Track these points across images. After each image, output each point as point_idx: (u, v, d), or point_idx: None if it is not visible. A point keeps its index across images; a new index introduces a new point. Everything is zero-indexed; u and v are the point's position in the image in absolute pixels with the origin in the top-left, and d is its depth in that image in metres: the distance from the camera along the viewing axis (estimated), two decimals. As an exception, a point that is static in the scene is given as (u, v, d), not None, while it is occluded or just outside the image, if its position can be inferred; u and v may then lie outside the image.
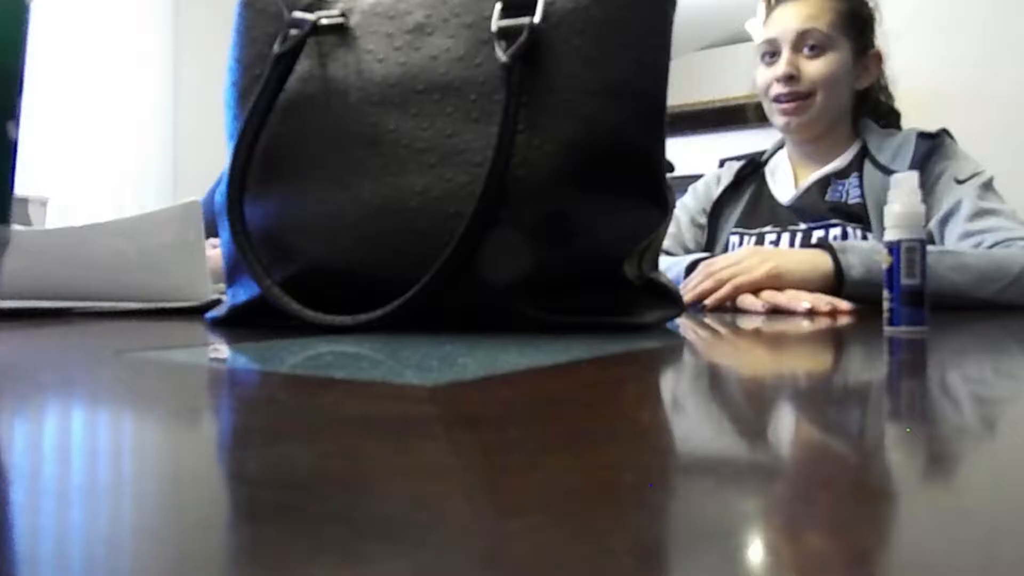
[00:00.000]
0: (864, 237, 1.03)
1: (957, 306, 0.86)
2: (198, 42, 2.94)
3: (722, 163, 1.31)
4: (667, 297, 0.57)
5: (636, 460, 0.17)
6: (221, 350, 0.43)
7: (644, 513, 0.13)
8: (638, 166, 0.53)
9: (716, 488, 0.16)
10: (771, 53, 1.11)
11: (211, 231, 0.85)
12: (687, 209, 1.25)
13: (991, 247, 0.94)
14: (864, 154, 1.09)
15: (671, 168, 0.57)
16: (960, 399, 0.28)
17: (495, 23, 0.52)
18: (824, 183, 1.11)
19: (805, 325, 0.65)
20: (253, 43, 0.59)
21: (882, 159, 1.07)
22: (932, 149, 1.05)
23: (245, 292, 0.57)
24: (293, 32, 0.56)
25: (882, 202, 1.01)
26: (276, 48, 0.56)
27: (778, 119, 1.12)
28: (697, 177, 1.32)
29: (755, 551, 0.12)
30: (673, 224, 1.23)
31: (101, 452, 0.18)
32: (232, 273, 0.58)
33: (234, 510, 0.14)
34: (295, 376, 0.31)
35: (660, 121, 0.53)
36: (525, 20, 0.51)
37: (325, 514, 0.13)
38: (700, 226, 1.24)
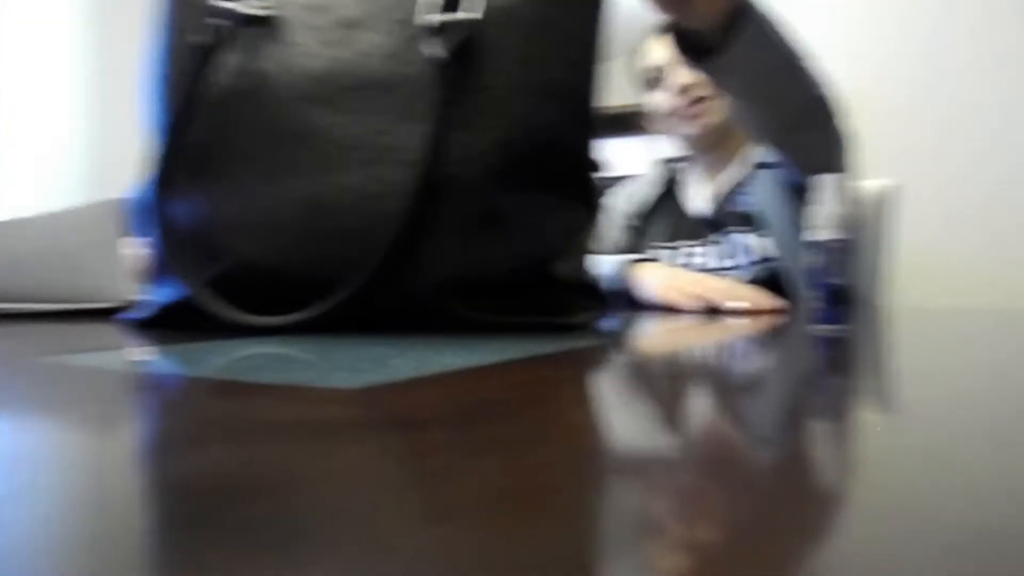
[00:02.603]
0: (769, 244, 1.05)
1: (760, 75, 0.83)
2: (126, 31, 2.81)
3: (657, 163, 1.34)
4: (599, 297, 0.58)
5: (564, 462, 0.17)
6: (143, 353, 0.41)
7: (570, 517, 0.13)
8: (570, 165, 0.53)
9: (643, 489, 0.16)
10: (657, 78, 1.16)
11: (135, 229, 0.81)
12: (616, 210, 1.27)
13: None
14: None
15: (600, 167, 0.57)
16: (880, 395, 0.29)
17: (428, 19, 0.51)
18: (729, 192, 1.14)
19: (735, 323, 0.66)
20: (179, 34, 0.56)
21: (761, 158, 1.10)
22: None
23: (170, 292, 0.54)
24: (218, 23, 0.54)
25: (769, 200, 1.05)
26: (200, 39, 0.54)
27: (685, 130, 1.15)
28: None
29: (682, 552, 0.12)
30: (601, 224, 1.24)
31: (16, 460, 0.17)
32: (157, 272, 0.56)
33: (149, 518, 0.13)
34: (219, 380, 0.30)
35: (590, 120, 0.53)
36: (458, 17, 0.51)
37: (241, 524, 0.13)
38: (629, 227, 1.26)
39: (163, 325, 0.56)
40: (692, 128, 1.14)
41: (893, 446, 0.20)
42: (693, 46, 0.80)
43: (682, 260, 1.14)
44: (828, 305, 0.53)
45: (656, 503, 0.15)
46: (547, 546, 0.12)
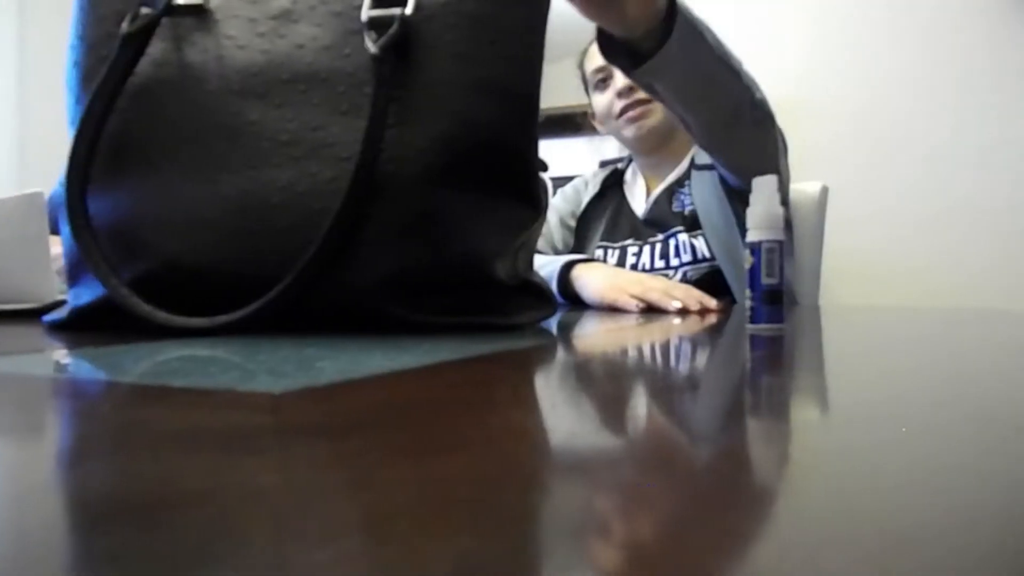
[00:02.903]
0: (708, 244, 1.07)
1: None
2: (48, 17, 2.70)
3: (603, 164, 1.35)
4: (541, 297, 0.57)
5: (479, 471, 0.16)
6: (63, 356, 0.39)
7: (471, 534, 0.12)
8: (510, 164, 0.52)
9: (561, 497, 0.15)
10: (602, 79, 1.17)
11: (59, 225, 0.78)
12: (557, 210, 1.28)
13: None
14: (692, 162, 1.15)
15: (544, 167, 0.57)
16: (813, 395, 0.29)
17: (365, 12, 0.50)
18: (670, 193, 1.15)
19: (674, 323, 0.66)
20: (100, 21, 0.54)
21: (699, 160, 1.12)
22: None
23: (89, 292, 0.52)
24: (145, 11, 0.52)
25: (706, 201, 1.07)
26: (125, 27, 0.51)
27: (628, 131, 1.16)
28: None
29: (601, 561, 0.12)
30: (546, 224, 1.25)
31: None
32: (74, 272, 0.54)
33: (53, 532, 0.12)
34: (137, 384, 0.29)
35: (532, 119, 0.53)
36: (396, 11, 0.50)
37: (138, 541, 0.12)
38: (569, 228, 1.27)
39: (88, 327, 0.53)
40: (633, 130, 1.15)
41: (825, 446, 0.20)
42: (623, 53, 0.80)
43: (622, 260, 1.15)
44: (764, 305, 0.54)
45: (576, 511, 0.14)
46: (437, 567, 0.11)
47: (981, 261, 2.06)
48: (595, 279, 0.92)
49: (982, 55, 2.08)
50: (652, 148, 1.18)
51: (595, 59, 1.18)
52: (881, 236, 2.11)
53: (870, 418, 0.23)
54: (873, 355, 0.43)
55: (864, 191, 2.06)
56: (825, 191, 1.27)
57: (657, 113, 1.14)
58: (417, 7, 0.50)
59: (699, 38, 0.80)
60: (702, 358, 0.43)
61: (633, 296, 0.86)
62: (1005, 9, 2.04)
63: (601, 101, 1.19)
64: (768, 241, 0.55)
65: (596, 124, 1.26)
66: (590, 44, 1.20)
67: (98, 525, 0.13)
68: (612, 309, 0.87)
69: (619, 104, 1.15)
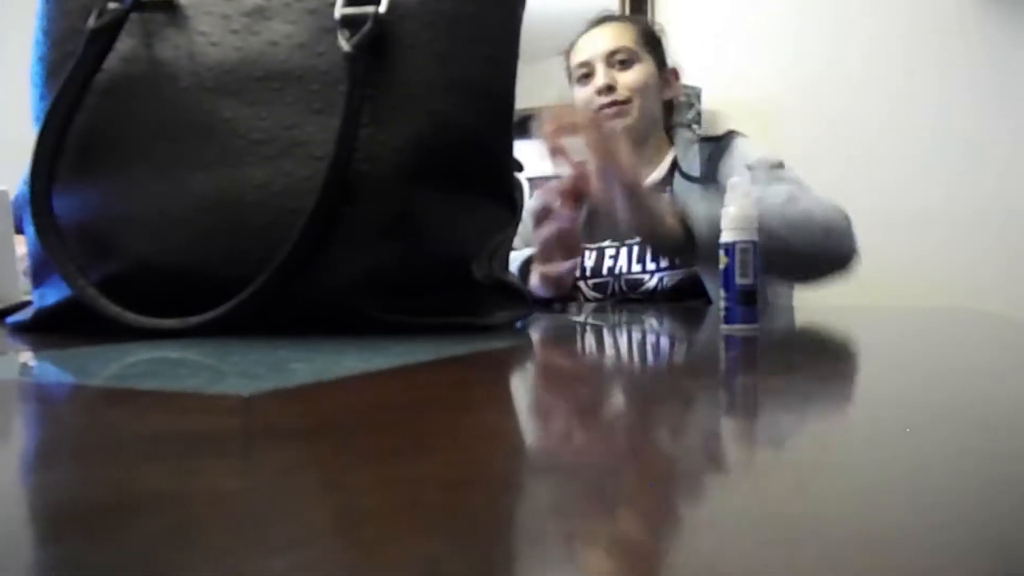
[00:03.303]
0: None
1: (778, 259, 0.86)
2: (15, 10, 2.63)
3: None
4: (516, 297, 0.57)
5: (450, 474, 0.16)
6: (30, 359, 0.38)
7: (440, 538, 0.12)
8: (486, 165, 0.52)
9: (520, 504, 0.15)
10: (585, 75, 1.18)
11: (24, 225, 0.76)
12: (528, 210, 1.28)
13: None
14: (675, 164, 1.16)
15: (520, 167, 0.56)
16: (783, 396, 0.30)
17: (338, 10, 0.50)
18: None
19: (654, 324, 0.67)
20: (65, 15, 0.53)
21: (684, 167, 1.14)
22: (716, 151, 1.13)
23: (54, 293, 0.51)
24: (112, 6, 0.51)
25: (685, 201, 1.08)
26: (92, 23, 0.50)
27: None
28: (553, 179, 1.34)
29: (556, 570, 0.11)
30: (522, 224, 1.25)
31: None
32: (39, 272, 0.52)
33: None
34: (104, 387, 0.28)
35: (508, 120, 0.52)
36: (370, 9, 0.49)
37: (67, 558, 0.11)
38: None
39: (54, 328, 0.52)
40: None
41: (798, 447, 0.20)
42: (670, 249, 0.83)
43: (599, 260, 1.15)
44: (738, 305, 0.54)
45: (546, 514, 0.14)
46: (417, 568, 0.11)
47: (959, 262, 2.09)
48: (533, 277, 0.95)
49: (962, 58, 2.11)
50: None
51: (580, 53, 1.18)
52: (857, 237, 2.13)
53: (843, 419, 0.23)
54: (846, 356, 0.43)
55: (840, 192, 2.08)
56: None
57: (633, 114, 1.14)
58: (392, 6, 0.50)
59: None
60: (676, 358, 0.43)
61: (552, 279, 0.89)
62: (985, 10, 2.08)
63: (582, 95, 1.19)
64: (742, 242, 0.55)
65: None
66: (578, 38, 1.20)
67: (57, 532, 0.12)
68: (570, 297, 0.88)
69: (597, 101, 1.15)
